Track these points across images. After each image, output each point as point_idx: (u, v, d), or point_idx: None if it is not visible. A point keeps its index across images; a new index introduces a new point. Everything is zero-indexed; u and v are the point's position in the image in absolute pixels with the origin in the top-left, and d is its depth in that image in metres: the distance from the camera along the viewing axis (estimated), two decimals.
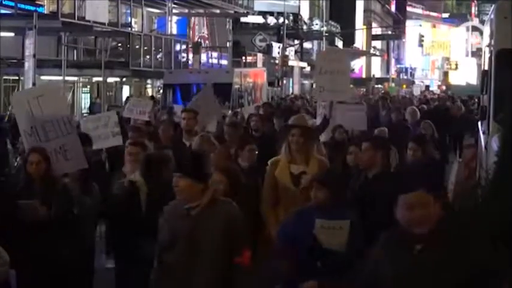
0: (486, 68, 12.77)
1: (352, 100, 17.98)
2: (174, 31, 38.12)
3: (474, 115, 24.77)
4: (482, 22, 76.10)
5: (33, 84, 19.30)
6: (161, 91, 31.39)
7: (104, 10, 29.45)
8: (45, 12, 28.22)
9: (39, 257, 7.09)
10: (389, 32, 74.18)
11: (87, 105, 32.19)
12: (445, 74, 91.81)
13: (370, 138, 8.92)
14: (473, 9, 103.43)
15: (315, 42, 58.95)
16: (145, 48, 32.17)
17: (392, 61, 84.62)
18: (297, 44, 54.21)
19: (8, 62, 26.58)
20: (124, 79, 33.66)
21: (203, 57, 39.87)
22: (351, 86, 24.31)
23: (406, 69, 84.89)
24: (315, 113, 16.22)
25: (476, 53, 78.60)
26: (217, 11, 42.31)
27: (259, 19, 49.94)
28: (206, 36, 43.79)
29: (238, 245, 5.72)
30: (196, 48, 38.19)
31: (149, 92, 36.56)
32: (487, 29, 14.27)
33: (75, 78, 31.47)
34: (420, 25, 74.65)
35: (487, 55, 12.72)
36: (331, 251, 6.13)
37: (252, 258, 5.89)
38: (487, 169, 7.36)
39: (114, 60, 31.43)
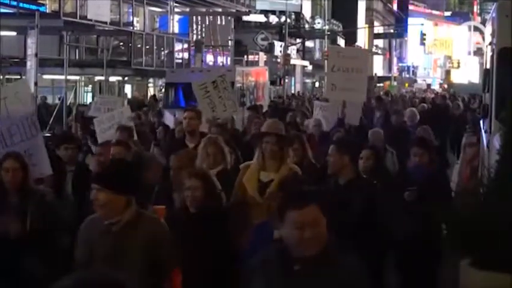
0: (488, 66, 12.77)
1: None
2: (176, 30, 38.11)
3: (474, 113, 24.71)
4: (484, 21, 76.04)
5: (35, 83, 19.26)
6: (163, 90, 31.41)
7: (105, 9, 29.47)
8: (47, 11, 28.28)
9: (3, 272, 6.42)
10: (392, 31, 74.09)
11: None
12: (447, 72, 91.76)
13: (336, 140, 8.37)
14: (475, 8, 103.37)
15: (317, 41, 58.92)
16: (147, 47, 32.18)
17: (395, 60, 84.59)
18: (299, 43, 54.19)
19: (10, 61, 26.61)
20: (126, 78, 33.67)
21: (205, 56, 39.87)
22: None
23: (408, 67, 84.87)
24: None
25: (478, 52, 78.55)
26: (219, 10, 42.30)
27: (261, 18, 49.92)
28: (208, 35, 43.78)
29: (163, 268, 5.12)
30: (198, 47, 38.19)
31: (151, 91, 36.58)
32: (488, 28, 14.28)
33: (77, 77, 31.50)
34: (422, 24, 74.56)
35: (489, 54, 12.74)
36: None
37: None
38: (489, 168, 7.36)
39: (116, 59, 31.47)
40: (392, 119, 16.10)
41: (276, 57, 47.30)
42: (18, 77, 27.53)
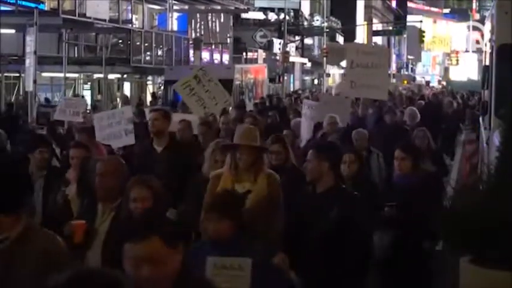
0: (487, 63, 12.79)
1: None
2: (175, 27, 38.09)
3: (468, 110, 24.52)
4: (483, 18, 76.04)
5: (34, 81, 19.26)
6: (162, 88, 31.41)
7: (104, 7, 29.45)
8: (46, 9, 28.26)
9: None
10: (390, 28, 74.02)
11: (88, 102, 32.17)
12: (446, 69, 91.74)
13: (315, 145, 7.47)
14: (474, 5, 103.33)
15: (316, 38, 58.90)
16: (146, 44, 32.17)
17: (394, 57, 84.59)
18: (297, 40, 54.17)
19: (9, 59, 26.60)
20: (125, 76, 33.67)
21: (204, 53, 39.86)
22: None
23: (407, 64, 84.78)
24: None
25: (477, 51, 78.58)
26: (218, 7, 42.29)
27: (259, 15, 49.89)
28: (207, 32, 43.78)
29: None
30: (197, 44, 38.18)
31: (150, 88, 36.56)
32: (488, 25, 14.29)
33: (76, 75, 31.50)
34: (421, 21, 74.57)
35: (488, 50, 12.75)
36: None
37: None
38: (488, 164, 7.36)
39: (115, 56, 31.45)
40: (386, 118, 14.87)
41: (275, 54, 47.30)
42: (17, 74, 27.54)
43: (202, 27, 42.77)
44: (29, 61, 19.78)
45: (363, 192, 7.06)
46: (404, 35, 75.53)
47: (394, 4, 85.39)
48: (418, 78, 77.60)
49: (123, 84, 34.60)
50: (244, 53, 44.99)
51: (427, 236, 7.66)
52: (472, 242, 6.62)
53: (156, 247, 3.28)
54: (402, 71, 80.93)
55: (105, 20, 29.59)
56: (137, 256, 3.27)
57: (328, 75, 58.72)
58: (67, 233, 5.43)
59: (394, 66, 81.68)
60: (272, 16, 50.82)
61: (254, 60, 44.23)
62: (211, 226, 4.99)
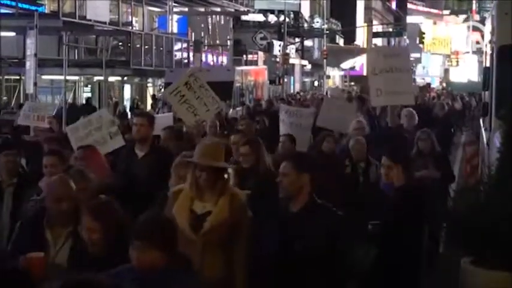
0: (488, 64, 12.79)
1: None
2: (175, 30, 38.11)
3: (473, 112, 24.42)
4: (483, 19, 76.03)
5: (35, 83, 19.27)
6: (162, 90, 31.41)
7: (104, 9, 29.46)
8: (46, 11, 28.28)
9: None
10: (390, 30, 74.01)
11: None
12: (446, 71, 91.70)
13: (291, 155, 6.47)
14: (474, 6, 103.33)
15: (316, 40, 58.90)
16: (146, 47, 32.18)
17: None
18: (297, 42, 54.17)
19: (9, 61, 26.61)
20: (125, 78, 33.68)
21: (204, 55, 39.89)
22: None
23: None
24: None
25: (477, 52, 78.54)
26: (218, 9, 42.30)
27: (259, 17, 49.90)
28: (207, 34, 43.80)
29: None
30: (197, 46, 38.20)
31: (150, 91, 36.58)
32: (488, 26, 14.28)
33: (77, 78, 31.50)
34: (421, 22, 74.56)
35: (489, 52, 12.75)
36: None
37: None
38: (489, 165, 7.36)
39: (115, 59, 31.47)
40: (381, 122, 13.96)
41: (275, 56, 47.31)
42: (18, 77, 27.56)
43: (202, 29, 42.80)
44: (30, 64, 19.80)
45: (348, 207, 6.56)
46: (405, 36, 75.48)
47: (393, 5, 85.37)
48: (418, 80, 77.59)
49: (123, 86, 34.62)
50: (244, 55, 45.01)
51: (417, 252, 7.07)
52: (472, 243, 6.63)
53: None
54: None
55: (105, 23, 29.60)
56: None
57: (328, 77, 58.73)
58: (23, 267, 4.91)
59: None
60: (272, 18, 50.83)
61: (254, 62, 44.25)
62: (134, 254, 4.35)
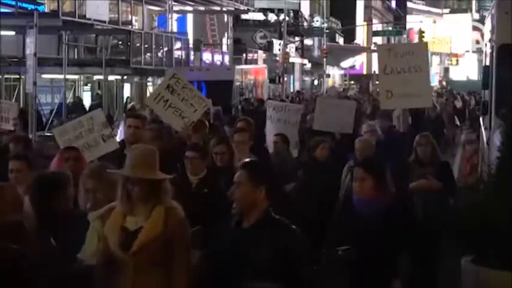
0: (488, 63, 12.79)
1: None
2: (175, 29, 38.09)
3: (473, 111, 24.39)
4: (482, 17, 76.03)
5: (34, 83, 19.25)
6: None
7: (104, 8, 29.44)
8: (46, 10, 28.24)
9: None
10: (390, 28, 74.05)
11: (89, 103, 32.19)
12: (446, 69, 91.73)
13: (247, 164, 5.61)
14: (474, 5, 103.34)
15: (316, 38, 58.91)
16: (146, 46, 32.16)
17: None
18: (297, 41, 54.18)
19: (9, 60, 26.58)
20: (125, 77, 33.67)
21: (204, 54, 39.88)
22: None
23: None
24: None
25: (477, 51, 78.62)
26: (218, 8, 42.29)
27: (259, 16, 49.91)
28: (207, 33, 43.80)
29: None
30: (197, 45, 38.19)
31: (150, 89, 36.54)
32: (488, 25, 14.28)
33: (76, 77, 31.49)
34: (421, 21, 74.61)
35: (489, 50, 12.75)
36: None
37: None
38: (489, 164, 7.37)
39: (115, 58, 31.44)
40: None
41: (275, 55, 47.32)
42: (17, 76, 27.55)
43: (202, 28, 42.78)
44: (29, 63, 19.73)
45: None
46: (404, 35, 75.52)
47: (393, 4, 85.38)
48: None
49: (123, 86, 34.60)
50: (244, 54, 45.02)
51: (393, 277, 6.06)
52: (473, 242, 6.63)
53: None
54: None
55: (105, 22, 29.57)
56: None
57: (328, 76, 58.73)
58: None
59: None
60: (272, 17, 50.83)
61: (254, 61, 44.26)
62: None
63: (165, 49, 34.05)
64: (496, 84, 11.46)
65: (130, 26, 33.43)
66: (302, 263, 5.14)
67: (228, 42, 45.17)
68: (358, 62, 66.54)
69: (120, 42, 33.44)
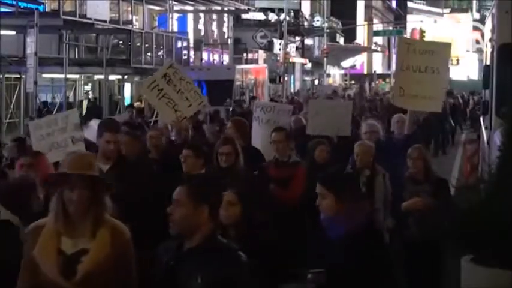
0: (488, 63, 12.80)
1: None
2: (175, 28, 38.11)
3: (473, 110, 24.44)
4: (483, 17, 76.01)
5: (35, 82, 19.30)
6: None
7: (105, 8, 29.46)
8: (46, 10, 28.26)
9: None
10: (391, 28, 74.11)
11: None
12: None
13: (189, 179, 4.96)
14: (474, 4, 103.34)
15: (316, 38, 58.94)
16: (147, 45, 32.16)
17: (394, 57, 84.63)
18: (298, 41, 54.18)
19: (9, 60, 26.59)
20: (125, 76, 33.68)
21: (204, 54, 39.90)
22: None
23: None
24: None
25: (477, 51, 78.62)
26: (218, 8, 42.31)
27: (260, 16, 49.93)
28: (207, 33, 43.81)
29: None
30: (198, 45, 38.19)
31: None
32: (488, 24, 14.28)
33: (77, 76, 31.51)
34: (422, 21, 74.65)
35: (489, 50, 12.75)
36: None
37: None
38: (490, 164, 7.36)
39: (115, 57, 31.44)
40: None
41: (276, 55, 47.33)
42: (18, 76, 27.56)
43: (202, 28, 42.79)
44: (30, 62, 19.82)
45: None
46: (405, 35, 75.56)
47: (394, 4, 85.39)
48: None
49: (123, 85, 34.63)
50: (244, 54, 45.03)
51: None
52: (473, 241, 6.63)
53: None
54: None
55: (105, 21, 29.59)
56: None
57: (329, 75, 58.76)
58: None
59: (394, 66, 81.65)
60: (272, 16, 50.84)
61: (254, 61, 44.26)
62: None
63: (166, 49, 34.06)
64: (496, 84, 11.47)
65: (130, 26, 33.45)
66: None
67: (229, 42, 45.19)
68: (358, 61, 66.56)
69: (120, 42, 33.44)
